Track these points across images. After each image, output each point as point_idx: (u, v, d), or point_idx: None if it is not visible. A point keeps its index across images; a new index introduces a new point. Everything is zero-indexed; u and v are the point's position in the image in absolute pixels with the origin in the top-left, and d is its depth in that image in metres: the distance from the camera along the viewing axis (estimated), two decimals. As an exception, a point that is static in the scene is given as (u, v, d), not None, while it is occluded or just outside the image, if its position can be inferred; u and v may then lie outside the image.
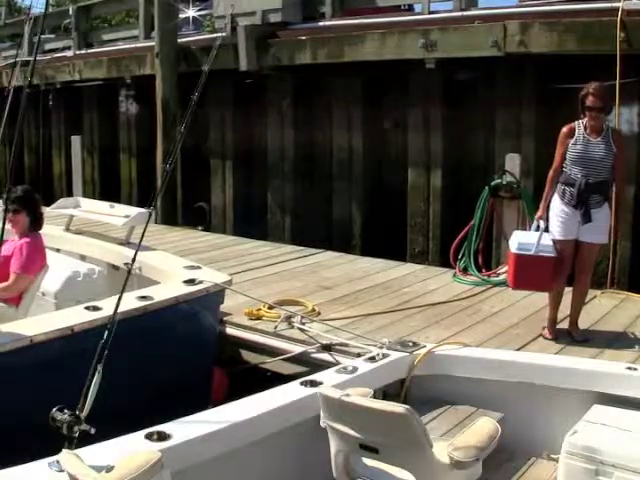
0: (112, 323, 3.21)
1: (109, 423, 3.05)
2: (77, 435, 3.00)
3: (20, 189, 5.86)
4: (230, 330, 6.16)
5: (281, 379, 4.50)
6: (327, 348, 5.57)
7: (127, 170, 13.02)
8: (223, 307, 6.00)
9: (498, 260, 8.18)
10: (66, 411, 3.00)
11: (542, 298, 6.48)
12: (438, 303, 6.83)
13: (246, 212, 11.26)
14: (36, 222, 5.86)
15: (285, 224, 10.60)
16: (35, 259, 5.65)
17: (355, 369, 4.09)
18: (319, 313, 6.40)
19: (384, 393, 4.19)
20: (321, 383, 3.79)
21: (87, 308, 4.82)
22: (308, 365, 5.48)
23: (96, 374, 3.11)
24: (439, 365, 4.34)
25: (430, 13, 9.02)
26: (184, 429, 3.28)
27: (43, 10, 6.30)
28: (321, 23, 10.07)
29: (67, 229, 7.69)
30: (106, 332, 3.18)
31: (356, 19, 9.77)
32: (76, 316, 4.73)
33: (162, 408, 3.59)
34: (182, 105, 10.13)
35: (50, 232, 7.17)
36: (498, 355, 4.48)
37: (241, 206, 11.31)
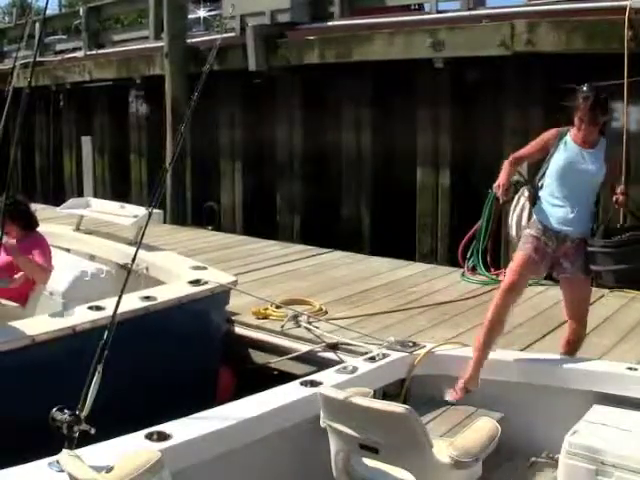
0: (112, 323, 3.23)
1: (112, 424, 3.06)
2: (77, 435, 3.01)
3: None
4: (238, 329, 6.18)
5: (288, 378, 4.50)
6: (334, 347, 5.58)
7: (137, 170, 13.08)
8: (231, 306, 6.02)
9: (507, 259, 8.14)
10: (66, 411, 3.01)
11: (548, 298, 6.49)
12: (445, 302, 6.83)
13: (255, 212, 11.30)
14: (27, 224, 5.66)
15: (294, 224, 10.62)
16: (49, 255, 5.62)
17: (355, 369, 4.09)
18: (326, 312, 6.40)
19: (384, 393, 4.19)
20: (321, 383, 3.79)
21: (90, 308, 4.83)
22: (315, 364, 5.46)
23: (96, 374, 3.13)
24: (439, 365, 4.34)
25: (438, 12, 9.04)
26: (184, 429, 3.29)
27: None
28: (329, 23, 10.11)
29: (77, 229, 7.74)
30: (106, 332, 3.20)
31: (364, 19, 9.79)
32: (78, 316, 4.75)
33: (167, 408, 3.59)
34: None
35: (60, 232, 7.23)
36: (498, 355, 4.47)
37: (250, 206, 11.34)
